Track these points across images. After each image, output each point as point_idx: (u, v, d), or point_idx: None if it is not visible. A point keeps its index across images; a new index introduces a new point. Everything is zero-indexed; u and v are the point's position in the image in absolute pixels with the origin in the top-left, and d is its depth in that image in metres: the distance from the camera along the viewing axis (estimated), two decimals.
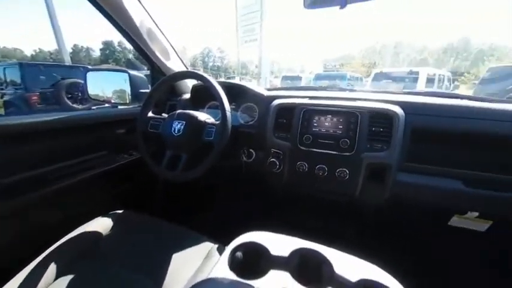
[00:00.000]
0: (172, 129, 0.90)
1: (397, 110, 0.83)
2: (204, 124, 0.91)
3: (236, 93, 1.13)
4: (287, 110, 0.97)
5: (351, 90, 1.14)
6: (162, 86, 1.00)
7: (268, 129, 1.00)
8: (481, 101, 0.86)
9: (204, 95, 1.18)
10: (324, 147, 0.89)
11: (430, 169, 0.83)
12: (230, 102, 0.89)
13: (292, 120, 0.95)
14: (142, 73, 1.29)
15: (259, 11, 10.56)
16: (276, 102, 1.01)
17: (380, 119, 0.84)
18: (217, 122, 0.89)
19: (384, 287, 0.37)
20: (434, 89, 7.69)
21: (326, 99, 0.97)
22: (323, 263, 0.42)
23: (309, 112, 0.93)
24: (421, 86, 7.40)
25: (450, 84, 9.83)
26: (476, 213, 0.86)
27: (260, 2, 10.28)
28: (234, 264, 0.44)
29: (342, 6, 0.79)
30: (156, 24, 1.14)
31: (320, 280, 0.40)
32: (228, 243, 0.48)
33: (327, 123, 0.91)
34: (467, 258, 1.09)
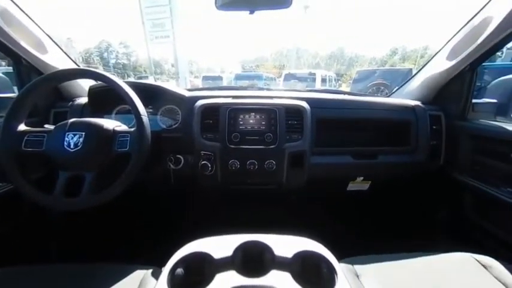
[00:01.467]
0: (66, 143, 0.69)
1: (305, 105, 1.00)
2: (113, 133, 0.74)
3: (152, 95, 1.00)
4: (212, 110, 0.96)
5: (268, 89, 1.27)
6: (40, 87, 0.74)
7: (195, 132, 0.95)
8: (355, 95, 1.22)
9: (107, 99, 0.97)
10: (252, 143, 0.96)
11: (332, 150, 1.07)
12: (145, 106, 0.78)
13: (219, 120, 0.95)
14: None
15: (167, 5, 9.74)
16: (200, 102, 0.98)
17: (293, 114, 0.98)
18: (132, 129, 0.75)
19: (314, 253, 0.45)
20: (327, 87, 9.81)
21: (248, 98, 1.03)
22: (264, 250, 0.45)
23: (235, 111, 0.96)
24: (318, 84, 9.30)
25: (336, 83, 12.79)
26: (362, 177, 1.18)
27: None
28: (175, 284, 0.39)
29: (251, 12, 0.87)
30: (18, 6, 0.83)
31: (263, 266, 0.43)
32: (165, 263, 0.43)
33: (251, 121, 0.97)
34: (361, 211, 1.47)
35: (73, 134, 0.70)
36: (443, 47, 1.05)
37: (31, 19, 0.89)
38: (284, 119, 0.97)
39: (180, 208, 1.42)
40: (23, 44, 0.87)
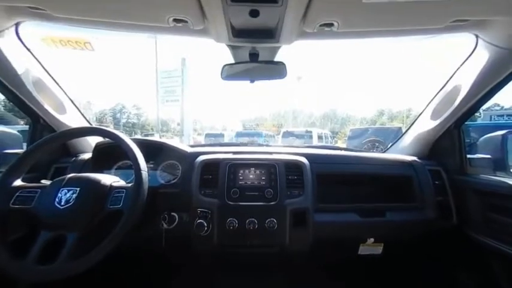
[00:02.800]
0: (57, 199, 0.66)
1: (304, 160, 1.02)
2: (109, 188, 0.73)
3: (155, 151, 1.03)
4: (213, 166, 0.97)
5: (268, 146, 1.33)
6: (49, 144, 0.78)
7: (194, 187, 0.93)
8: (352, 151, 1.26)
9: (111, 155, 1.00)
10: (252, 199, 0.92)
11: (336, 207, 1.02)
12: (147, 161, 0.79)
13: (219, 175, 0.95)
14: (15, 128, 0.97)
15: (180, 76, 11.37)
16: (201, 158, 1.00)
17: (293, 168, 0.98)
18: (129, 185, 0.74)
19: None
20: (323, 143, 10.26)
21: (248, 153, 1.06)
22: None
23: (234, 166, 0.97)
24: (315, 141, 9.76)
25: (332, 140, 13.45)
26: (372, 239, 1.07)
27: (181, 70, 11.22)
28: None
29: (251, 81, 1.01)
30: (49, 74, 0.97)
31: None
32: None
33: (251, 176, 0.96)
34: (375, 279, 1.26)
35: (67, 189, 0.68)
36: (425, 109, 1.16)
37: (59, 86, 1.02)
38: (284, 174, 0.96)
39: (170, 275, 1.22)
40: (46, 106, 0.97)
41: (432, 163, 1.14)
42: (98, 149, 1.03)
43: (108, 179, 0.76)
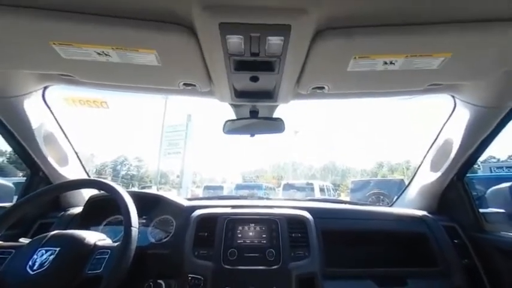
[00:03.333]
0: (31, 263, 0.58)
1: (307, 215, 0.95)
2: (92, 248, 0.65)
3: (150, 204, 0.98)
4: (209, 221, 0.90)
5: (268, 199, 1.27)
6: (41, 197, 0.75)
7: (187, 246, 0.84)
8: (357, 205, 1.19)
9: (102, 210, 0.94)
10: (251, 262, 0.81)
11: (348, 272, 0.89)
12: (140, 215, 0.74)
13: (215, 232, 0.87)
14: (11, 180, 0.95)
15: (184, 131, 12.05)
16: (198, 212, 0.94)
17: (296, 225, 0.91)
18: (115, 244, 0.67)
19: None
20: (326, 196, 9.88)
21: (248, 207, 1.01)
22: None
23: (233, 222, 0.90)
24: (317, 194, 9.41)
25: (335, 192, 13.01)
26: None
27: (186, 125, 12.00)
28: None
29: (251, 135, 1.07)
30: (62, 129, 1.03)
31: None
32: None
33: (251, 233, 0.88)
34: None
35: (46, 249, 0.61)
36: (422, 161, 1.18)
37: (68, 139, 1.07)
38: (286, 231, 0.88)
39: None
40: (49, 158, 0.98)
41: (444, 218, 1.06)
42: (90, 202, 0.98)
43: (94, 236, 0.69)
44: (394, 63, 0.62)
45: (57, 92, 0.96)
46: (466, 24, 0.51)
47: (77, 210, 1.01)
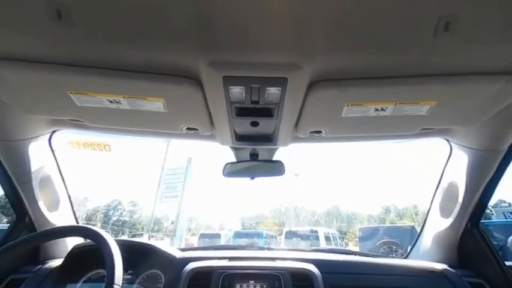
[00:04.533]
0: None
1: (314, 269, 0.85)
2: None
3: (139, 255, 0.89)
4: (204, 276, 0.80)
5: (269, 249, 1.16)
6: (18, 247, 0.68)
7: None
8: (368, 257, 1.07)
9: (84, 262, 0.85)
10: None
11: None
12: (126, 270, 0.66)
13: None
14: None
15: (184, 173, 11.92)
16: (191, 266, 0.84)
17: (301, 281, 0.81)
18: None
19: None
20: (332, 245, 9.00)
21: (247, 259, 0.91)
22: None
23: (230, 277, 0.80)
24: (322, 243, 8.60)
25: (342, 241, 11.91)
26: None
27: (186, 167, 11.96)
28: None
29: (251, 178, 1.05)
30: (61, 174, 1.02)
31: None
32: None
33: None
34: None
35: None
36: (431, 206, 1.12)
37: (64, 183, 1.04)
38: None
39: None
40: (40, 203, 0.94)
41: (468, 273, 0.94)
42: (73, 253, 0.89)
43: None
44: (385, 110, 0.66)
45: (64, 136, 0.99)
46: (449, 77, 0.57)
47: (56, 263, 0.90)
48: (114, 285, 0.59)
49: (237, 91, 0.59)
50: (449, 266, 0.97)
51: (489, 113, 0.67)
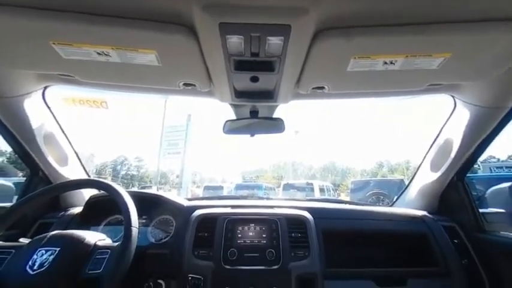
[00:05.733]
0: (30, 262, 0.59)
1: (307, 215, 0.95)
2: (92, 248, 0.65)
3: (150, 204, 0.98)
4: (209, 221, 0.91)
5: (268, 199, 1.27)
6: (41, 197, 0.75)
7: (187, 246, 0.84)
8: (357, 205, 1.19)
9: (102, 210, 0.95)
10: (251, 262, 0.81)
11: (348, 272, 0.89)
12: (140, 215, 0.74)
13: (215, 232, 0.87)
14: (11, 180, 0.95)
15: (184, 131, 12.04)
16: (198, 212, 0.94)
17: (296, 224, 0.91)
18: (115, 244, 0.67)
19: None
20: (326, 196, 9.88)
21: (248, 207, 1.01)
22: None
23: (233, 222, 0.90)
24: (316, 194, 9.41)
25: (335, 192, 13.00)
26: None
27: (186, 125, 12.00)
28: None
29: (252, 135, 1.07)
30: (62, 130, 1.03)
31: None
32: None
33: (251, 233, 0.88)
34: None
35: (46, 249, 0.61)
36: (423, 161, 1.18)
37: (68, 140, 1.07)
38: (286, 231, 0.88)
39: None
40: (49, 158, 0.98)
41: (445, 218, 1.06)
42: (90, 202, 0.98)
43: (94, 236, 0.69)
44: (394, 63, 0.62)
45: (57, 92, 0.96)
46: (466, 24, 0.51)
47: (77, 210, 1.01)
48: (132, 228, 0.67)
49: (235, 41, 0.53)
50: (428, 213, 1.08)
51: (504, 66, 0.63)
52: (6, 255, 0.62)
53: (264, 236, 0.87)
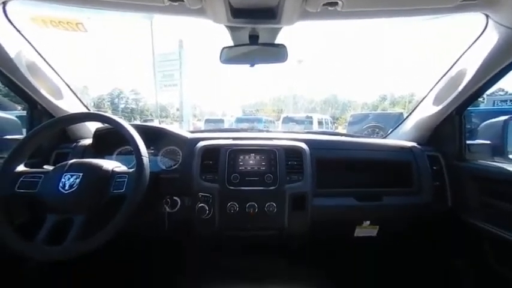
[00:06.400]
0: (61, 184, 0.68)
1: (304, 146, 1.02)
2: (111, 174, 0.74)
3: (155, 136, 1.03)
4: (213, 151, 0.98)
5: (268, 131, 1.33)
6: (48, 129, 0.77)
7: (195, 172, 0.94)
8: (352, 137, 1.26)
9: (111, 141, 1.00)
10: (251, 184, 0.94)
11: (334, 191, 1.04)
12: (147, 146, 0.80)
13: (219, 161, 0.96)
14: (13, 114, 0.96)
15: (178, 60, 11.03)
16: (201, 144, 1.00)
17: (293, 154, 0.99)
18: (131, 170, 0.75)
19: None
20: (324, 129, 10.23)
21: (248, 139, 1.06)
22: None
23: (234, 152, 0.98)
24: (315, 127, 9.72)
25: (333, 125, 13.37)
26: (368, 222, 1.11)
27: (179, 53, 10.84)
28: None
29: (251, 65, 0.98)
30: (43, 57, 0.94)
31: None
32: None
33: (251, 161, 0.97)
34: (370, 260, 1.32)
35: (70, 175, 0.69)
36: (428, 94, 1.14)
37: (54, 70, 1.00)
38: (284, 160, 0.97)
39: (173, 257, 1.28)
40: (42, 91, 0.95)
41: (432, 149, 1.14)
42: (98, 134, 1.03)
43: (110, 164, 0.76)
44: None
45: (22, 9, 0.82)
46: None
47: (87, 141, 1.07)
48: (143, 157, 0.74)
49: None
50: (418, 144, 1.16)
51: None
52: (38, 179, 0.71)
53: (263, 164, 0.97)
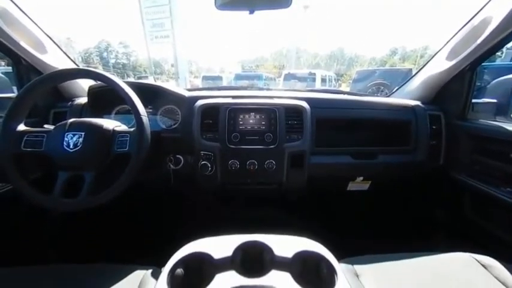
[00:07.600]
0: (65, 143, 0.69)
1: (305, 105, 1.00)
2: (112, 133, 0.74)
3: (152, 95, 1.00)
4: (212, 110, 0.96)
5: (268, 89, 1.27)
6: (39, 87, 0.74)
7: (195, 132, 0.95)
8: (355, 95, 1.22)
9: (107, 99, 0.97)
10: (252, 143, 0.96)
11: (332, 150, 1.07)
12: (145, 106, 0.78)
13: (219, 120, 0.95)
14: None
15: (167, 5, 9.73)
16: (200, 102, 0.97)
17: (293, 113, 0.98)
18: (132, 129, 0.75)
19: (314, 253, 0.45)
20: (327, 86, 9.81)
21: (248, 98, 1.03)
22: (264, 250, 0.45)
23: (234, 111, 0.96)
24: (318, 84, 9.30)
25: (336, 83, 12.79)
26: (362, 177, 1.18)
27: None
28: (175, 284, 0.39)
29: (251, 12, 0.87)
30: (19, 7, 0.83)
31: (263, 266, 0.43)
32: (164, 264, 0.43)
33: (251, 121, 0.97)
34: (361, 211, 1.48)
35: (72, 134, 0.70)
36: (443, 47, 1.05)
37: (31, 19, 0.89)
38: (284, 119, 0.96)
39: (179, 209, 1.41)
40: (23, 44, 0.87)
41: (435, 108, 1.12)
42: (92, 92, 0.99)
43: (110, 123, 0.76)
44: None
45: None
46: None
47: (83, 100, 1.04)
48: (142, 116, 0.73)
49: None
50: (422, 103, 1.13)
51: None
52: (42, 138, 0.72)
53: (264, 123, 0.97)
